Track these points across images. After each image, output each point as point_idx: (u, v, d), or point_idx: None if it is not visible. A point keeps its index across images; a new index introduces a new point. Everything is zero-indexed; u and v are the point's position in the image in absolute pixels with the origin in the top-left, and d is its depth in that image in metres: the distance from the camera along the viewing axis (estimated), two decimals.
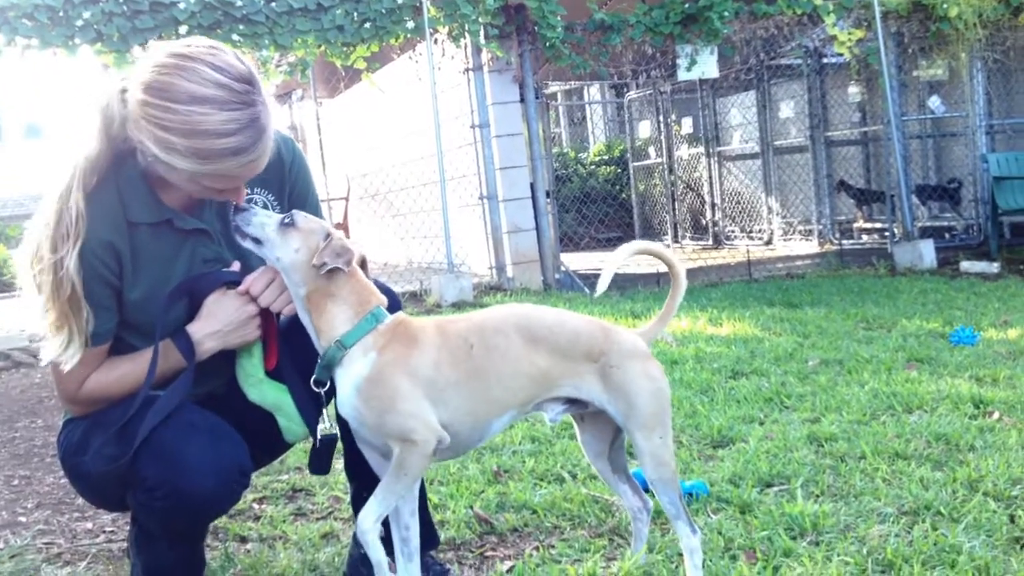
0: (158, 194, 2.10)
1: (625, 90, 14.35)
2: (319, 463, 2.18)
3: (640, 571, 2.35)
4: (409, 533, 2.17)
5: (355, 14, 8.42)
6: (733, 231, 12.90)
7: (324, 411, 2.12)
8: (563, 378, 2.14)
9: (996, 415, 3.58)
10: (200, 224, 2.16)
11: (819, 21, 9.58)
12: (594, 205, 13.44)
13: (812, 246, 11.43)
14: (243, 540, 2.90)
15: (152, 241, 2.10)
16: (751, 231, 12.61)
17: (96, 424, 2.11)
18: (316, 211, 2.37)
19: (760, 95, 12.06)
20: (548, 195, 9.42)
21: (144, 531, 2.23)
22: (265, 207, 2.25)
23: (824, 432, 3.45)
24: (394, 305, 2.16)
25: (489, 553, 2.65)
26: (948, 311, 6.12)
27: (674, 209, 13.45)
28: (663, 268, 2.49)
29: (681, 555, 2.29)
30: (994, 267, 8.32)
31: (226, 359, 2.17)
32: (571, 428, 3.70)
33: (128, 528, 2.49)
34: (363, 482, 2.28)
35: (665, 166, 13.37)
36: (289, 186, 2.31)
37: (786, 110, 12.00)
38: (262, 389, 2.15)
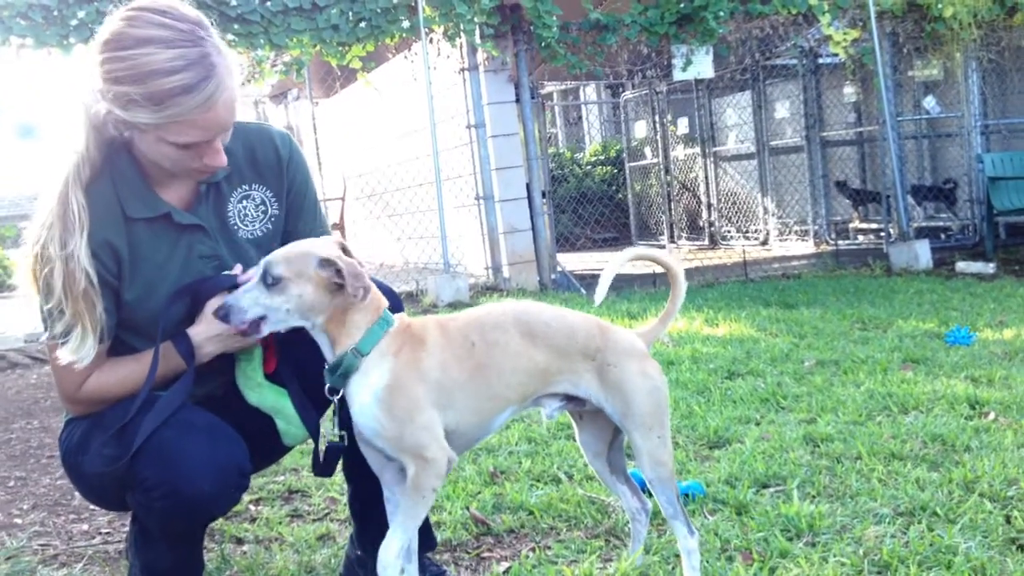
0: (154, 189, 2.10)
1: (621, 90, 14.36)
2: (325, 467, 2.16)
3: (636, 572, 2.35)
4: None
5: (351, 13, 8.41)
6: (729, 231, 12.91)
7: (335, 417, 2.10)
8: (560, 374, 2.14)
9: (992, 416, 3.58)
10: (196, 220, 2.16)
11: (814, 21, 9.59)
12: (590, 205, 13.46)
13: (808, 246, 11.45)
14: (239, 541, 2.90)
15: (149, 237, 2.10)
16: (747, 231, 12.63)
17: (96, 425, 2.11)
18: (315, 207, 2.36)
19: (756, 95, 12.08)
20: (544, 195, 9.43)
21: (144, 532, 2.23)
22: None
23: (820, 433, 3.45)
24: (396, 305, 2.15)
25: (485, 554, 2.64)
26: (944, 312, 6.12)
27: (670, 209, 13.46)
28: (659, 269, 2.49)
29: (678, 556, 2.29)
30: (990, 267, 8.33)
31: (225, 362, 2.16)
32: (567, 429, 3.71)
33: (126, 529, 2.48)
34: (361, 483, 2.28)
35: (661, 166, 13.39)
36: (288, 182, 2.30)
37: (782, 110, 12.01)
38: (261, 392, 2.15)
